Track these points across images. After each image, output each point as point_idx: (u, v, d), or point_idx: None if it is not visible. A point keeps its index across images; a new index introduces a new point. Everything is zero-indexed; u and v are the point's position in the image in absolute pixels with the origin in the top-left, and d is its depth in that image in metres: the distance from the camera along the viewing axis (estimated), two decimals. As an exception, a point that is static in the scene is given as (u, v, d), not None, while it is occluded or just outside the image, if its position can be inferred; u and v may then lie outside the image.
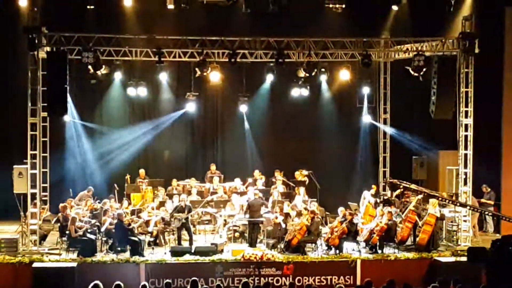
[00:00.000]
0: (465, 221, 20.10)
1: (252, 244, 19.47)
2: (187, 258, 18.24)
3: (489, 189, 22.26)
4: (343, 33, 21.70)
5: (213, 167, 23.69)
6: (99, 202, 20.79)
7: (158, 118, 25.05)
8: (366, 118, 24.75)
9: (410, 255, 18.95)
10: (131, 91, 23.24)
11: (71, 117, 22.87)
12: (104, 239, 19.26)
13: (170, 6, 21.53)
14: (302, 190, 21.99)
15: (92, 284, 14.13)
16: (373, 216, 20.40)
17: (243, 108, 24.47)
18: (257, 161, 24.80)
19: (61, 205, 19.69)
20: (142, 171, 23.38)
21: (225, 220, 20.58)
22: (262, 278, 17.88)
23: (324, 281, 18.22)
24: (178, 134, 25.48)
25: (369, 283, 14.97)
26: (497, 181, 22.64)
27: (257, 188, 21.76)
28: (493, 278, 10.42)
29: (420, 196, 21.02)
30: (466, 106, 20.06)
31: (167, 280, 15.74)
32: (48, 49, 19.17)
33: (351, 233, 19.06)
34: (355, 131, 25.43)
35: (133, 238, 18.54)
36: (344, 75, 22.45)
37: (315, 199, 21.81)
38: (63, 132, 23.68)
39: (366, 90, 24.10)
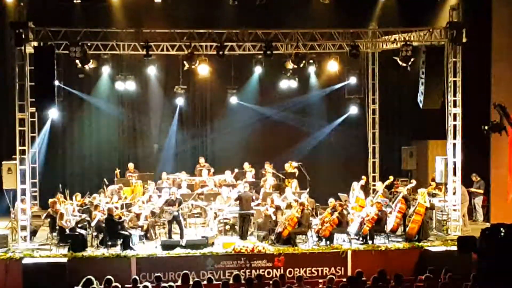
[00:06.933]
0: (454, 210, 20.16)
1: (243, 236, 19.47)
2: (178, 251, 18.22)
3: (478, 178, 22.28)
4: (331, 24, 21.76)
5: (201, 159, 23.67)
6: (89, 197, 20.73)
7: (148, 112, 25.04)
8: (355, 109, 24.77)
9: (401, 245, 18.98)
10: (119, 85, 23.21)
11: (59, 112, 22.75)
12: (95, 233, 19.20)
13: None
14: (294, 182, 21.97)
15: (84, 279, 14.17)
16: (363, 206, 20.40)
17: (232, 101, 24.47)
18: (247, 154, 24.73)
19: (50, 200, 19.64)
20: (131, 165, 23.29)
21: (215, 213, 20.56)
22: (253, 271, 17.89)
23: (315, 273, 18.23)
24: (167, 128, 25.41)
25: (360, 273, 15.03)
26: (486, 170, 22.67)
27: (247, 180, 21.78)
28: (483, 267, 10.44)
29: (410, 186, 21.18)
30: (455, 95, 20.09)
31: (158, 274, 15.76)
32: (35, 44, 19.04)
33: (342, 224, 19.07)
34: (344, 122, 25.43)
35: (123, 232, 18.49)
36: (332, 66, 22.35)
37: (306, 191, 21.80)
38: (51, 127, 23.55)
39: (354, 81, 24.12)
